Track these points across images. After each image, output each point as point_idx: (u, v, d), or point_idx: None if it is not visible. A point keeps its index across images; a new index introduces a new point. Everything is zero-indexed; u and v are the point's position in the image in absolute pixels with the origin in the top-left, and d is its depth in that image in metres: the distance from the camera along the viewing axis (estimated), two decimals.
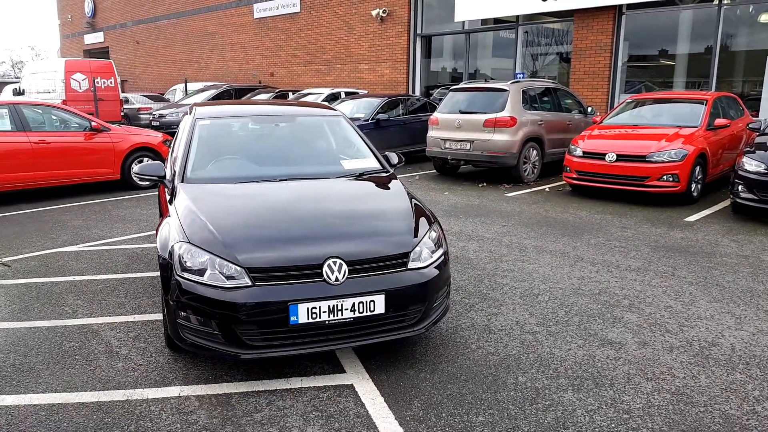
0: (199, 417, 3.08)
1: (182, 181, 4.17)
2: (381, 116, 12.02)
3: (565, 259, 5.80)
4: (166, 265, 3.44)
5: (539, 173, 10.55)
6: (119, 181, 9.51)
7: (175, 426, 3.00)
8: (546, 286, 5.05)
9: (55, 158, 8.75)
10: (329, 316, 3.25)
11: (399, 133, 12.38)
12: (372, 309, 3.33)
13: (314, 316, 3.23)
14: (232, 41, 24.32)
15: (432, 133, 10.79)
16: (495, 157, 9.93)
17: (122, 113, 17.66)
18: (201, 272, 3.27)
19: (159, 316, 4.31)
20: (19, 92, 17.86)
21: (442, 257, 3.73)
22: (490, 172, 11.39)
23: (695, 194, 8.46)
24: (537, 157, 10.37)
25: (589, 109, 11.61)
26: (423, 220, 3.85)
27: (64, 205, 8.61)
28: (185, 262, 3.33)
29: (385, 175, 4.55)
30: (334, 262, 3.31)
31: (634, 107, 9.88)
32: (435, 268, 3.61)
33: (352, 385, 3.42)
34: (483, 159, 10.10)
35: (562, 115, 11.04)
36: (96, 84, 16.43)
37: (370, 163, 4.68)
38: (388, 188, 4.31)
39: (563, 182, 9.76)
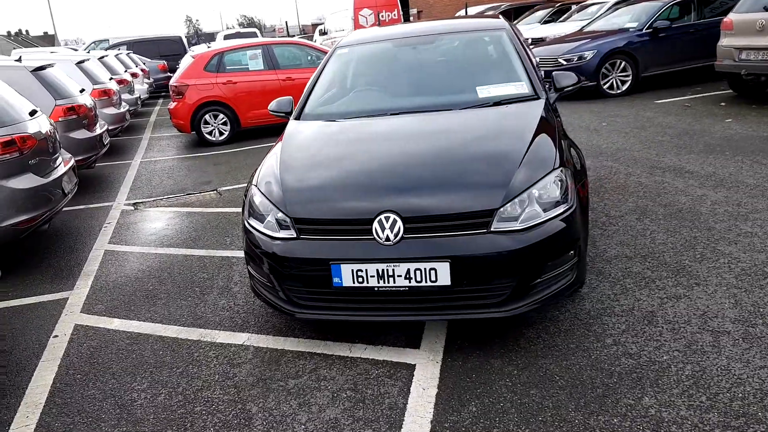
0: (239, 371, 2.92)
1: (296, 118, 3.96)
2: (660, 23, 9.71)
3: None
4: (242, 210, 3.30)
5: None
6: None
7: (214, 377, 2.90)
8: None
9: (300, 94, 9.37)
10: (378, 282, 2.69)
11: (686, 45, 9.86)
12: (433, 279, 2.64)
13: (360, 279, 2.70)
14: None
15: (724, 41, 8.28)
16: None
17: None
18: (262, 219, 3.03)
19: None
20: (323, 32, 19.87)
21: (566, 214, 2.74)
22: None
23: None
24: None
25: None
26: (540, 164, 2.87)
27: None
28: (252, 207, 3.12)
29: (527, 102, 3.54)
30: (387, 218, 2.69)
31: None
32: (542, 230, 2.67)
33: (414, 365, 2.82)
34: None
35: None
36: (380, 18, 17.16)
37: (517, 88, 3.68)
38: (513, 121, 3.33)
39: None
